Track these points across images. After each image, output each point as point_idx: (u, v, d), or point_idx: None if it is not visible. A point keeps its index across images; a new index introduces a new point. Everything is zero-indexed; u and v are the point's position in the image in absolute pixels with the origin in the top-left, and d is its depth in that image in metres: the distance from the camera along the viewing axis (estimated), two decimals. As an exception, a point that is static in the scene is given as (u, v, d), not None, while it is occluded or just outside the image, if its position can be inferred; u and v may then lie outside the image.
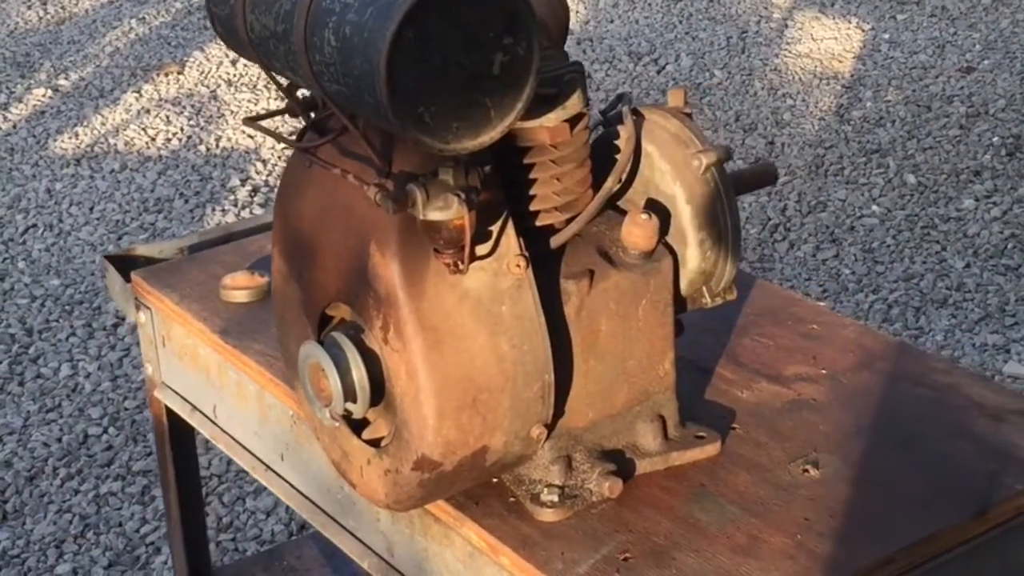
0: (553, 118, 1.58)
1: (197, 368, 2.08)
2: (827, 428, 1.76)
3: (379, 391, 1.58)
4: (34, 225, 4.74)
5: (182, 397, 2.14)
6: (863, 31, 5.80)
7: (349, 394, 1.58)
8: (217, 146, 5.15)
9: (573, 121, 1.60)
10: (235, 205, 4.75)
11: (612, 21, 6.04)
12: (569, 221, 1.63)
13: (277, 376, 1.89)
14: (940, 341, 3.95)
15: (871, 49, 5.65)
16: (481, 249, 1.53)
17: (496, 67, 1.41)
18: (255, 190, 4.83)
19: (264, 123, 2.08)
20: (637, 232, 1.63)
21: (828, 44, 5.70)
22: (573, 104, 1.59)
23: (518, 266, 1.55)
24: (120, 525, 3.40)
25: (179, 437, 2.22)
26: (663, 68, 5.57)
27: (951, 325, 4.02)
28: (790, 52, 5.66)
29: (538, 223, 1.62)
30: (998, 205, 4.54)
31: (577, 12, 6.14)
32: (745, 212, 4.56)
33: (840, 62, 5.56)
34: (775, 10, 6.03)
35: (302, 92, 1.62)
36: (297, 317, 1.68)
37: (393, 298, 1.51)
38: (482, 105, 1.42)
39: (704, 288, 1.73)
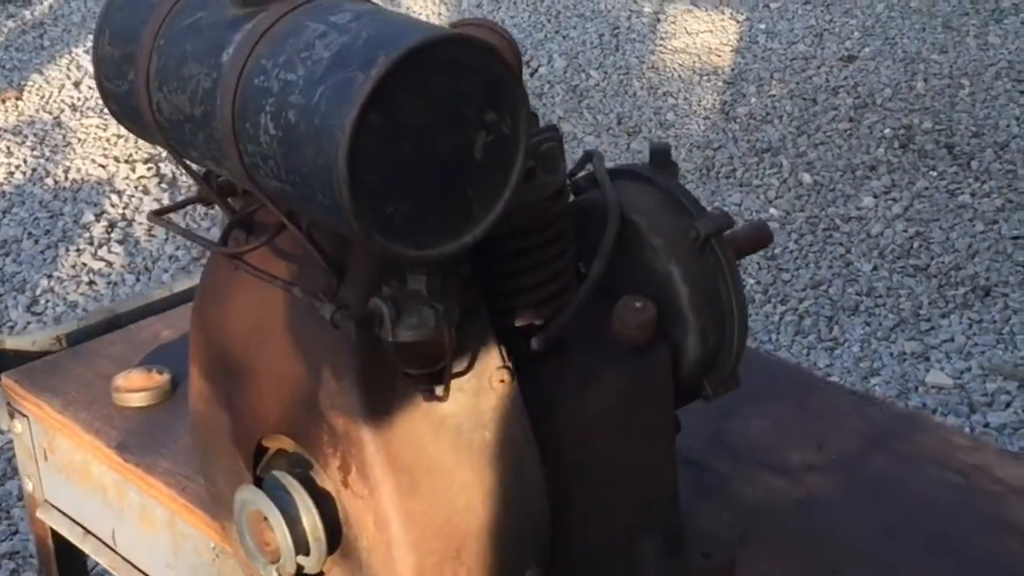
0: (529, 197, 1.30)
1: (90, 487, 1.77)
2: (848, 531, 1.52)
3: (336, 537, 1.30)
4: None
5: (71, 519, 1.82)
6: (738, 22, 5.60)
7: (301, 547, 1.29)
8: (66, 178, 4.76)
9: (552, 199, 1.33)
10: (91, 244, 4.37)
11: (477, 22, 5.77)
12: (552, 316, 1.36)
13: (192, 501, 1.59)
14: (857, 353, 3.76)
15: (748, 41, 5.45)
16: (458, 364, 1.25)
17: (479, 150, 1.13)
18: (112, 225, 4.47)
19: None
20: (630, 324, 1.37)
21: (704, 38, 5.50)
22: (553, 179, 1.32)
23: (502, 381, 1.27)
24: (-14, 622, 3.05)
25: (69, 562, 1.90)
26: (536, 71, 5.32)
27: (866, 334, 3.83)
28: (666, 48, 5.44)
29: (517, 322, 1.34)
30: (898, 201, 4.37)
31: (439, 14, 5.85)
32: (639, 222, 4.33)
33: (718, 56, 5.36)
34: (645, 3, 5.81)
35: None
36: (225, 447, 1.38)
37: (355, 434, 1.22)
38: (463, 197, 1.14)
39: (705, 378, 1.47)
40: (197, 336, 1.37)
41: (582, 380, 1.35)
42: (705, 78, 5.18)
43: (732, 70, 5.24)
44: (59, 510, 1.85)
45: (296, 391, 1.26)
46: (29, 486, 1.89)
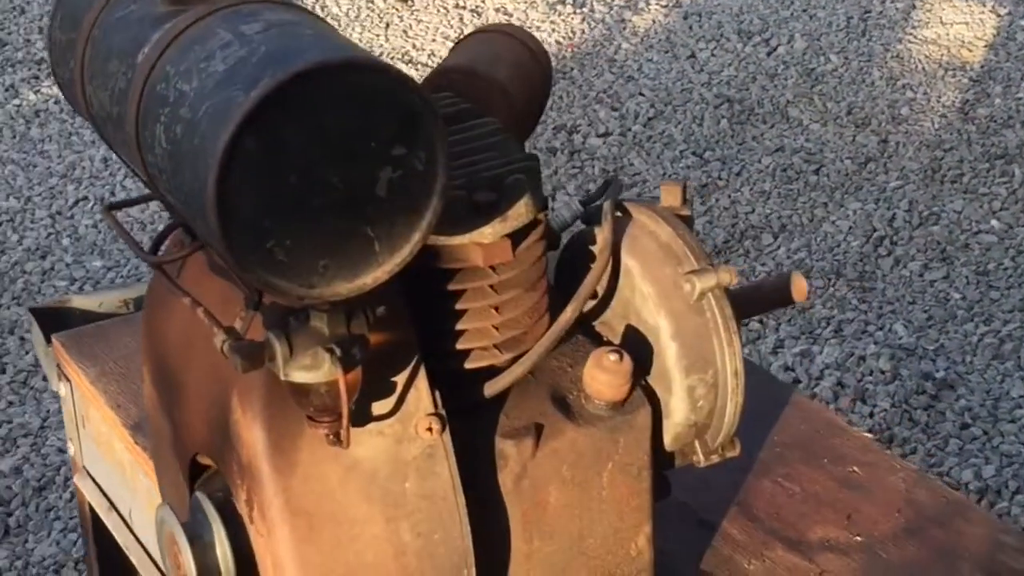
0: (489, 232, 1.19)
1: (113, 462, 1.74)
2: (852, 626, 1.37)
3: (248, 568, 1.22)
4: (85, 197, 4.44)
5: (101, 490, 1.80)
6: (998, 16, 5.27)
7: (211, 574, 1.22)
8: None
9: (519, 235, 1.21)
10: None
11: (724, -7, 5.58)
12: (514, 360, 1.25)
13: (184, 496, 1.54)
14: (1053, 391, 3.49)
15: (1005, 37, 5.12)
16: (380, 407, 1.16)
17: (382, 187, 1.03)
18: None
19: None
20: (602, 379, 1.24)
21: (958, 29, 5.18)
22: (518, 213, 1.20)
23: (429, 429, 1.17)
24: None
25: (104, 529, 1.88)
26: (774, 50, 5.11)
27: (1070, 369, 3.55)
28: (915, 37, 5.16)
29: (468, 365, 1.24)
30: None
31: (680, -16, 5.67)
32: (848, 221, 4.11)
33: (970, 51, 5.04)
34: (904, -13, 5.51)
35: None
36: (168, 456, 1.32)
37: (256, 470, 1.14)
38: (362, 236, 1.04)
39: (696, 443, 1.33)
40: (145, 339, 1.31)
41: (536, 433, 1.23)
42: (950, 73, 4.88)
43: (981, 67, 4.92)
44: (93, 479, 1.83)
45: (213, 415, 1.19)
46: (71, 449, 1.88)
